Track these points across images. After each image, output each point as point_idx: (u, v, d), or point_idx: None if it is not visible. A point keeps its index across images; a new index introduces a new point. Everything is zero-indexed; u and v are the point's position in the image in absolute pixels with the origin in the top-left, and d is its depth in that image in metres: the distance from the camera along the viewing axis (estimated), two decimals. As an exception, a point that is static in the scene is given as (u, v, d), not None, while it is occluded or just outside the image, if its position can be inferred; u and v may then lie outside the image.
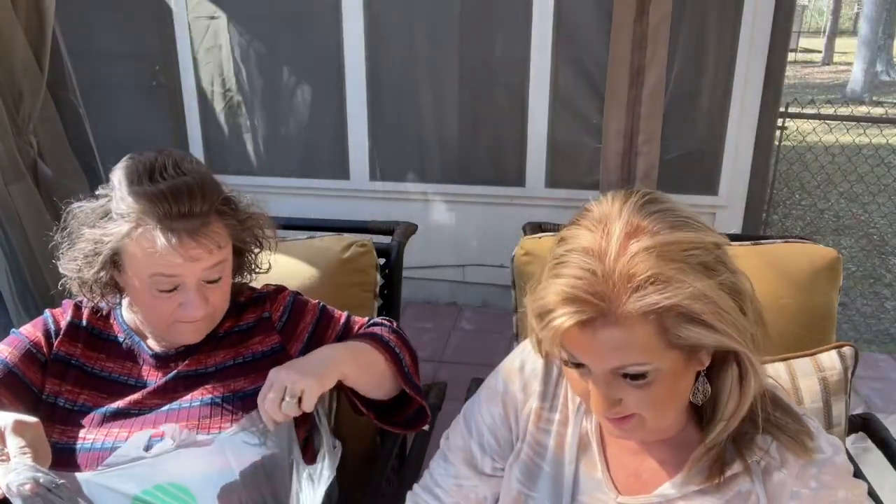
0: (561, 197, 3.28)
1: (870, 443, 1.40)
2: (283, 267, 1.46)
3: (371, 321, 1.31)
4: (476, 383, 1.55)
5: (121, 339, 1.18)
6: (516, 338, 1.54)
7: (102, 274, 1.09)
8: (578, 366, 0.82)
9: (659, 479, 0.90)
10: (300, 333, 1.23)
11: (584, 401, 0.90)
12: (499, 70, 3.24)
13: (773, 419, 0.87)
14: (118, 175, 1.07)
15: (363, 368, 1.16)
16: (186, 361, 1.16)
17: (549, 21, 3.09)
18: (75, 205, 1.10)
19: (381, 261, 1.55)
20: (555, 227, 1.56)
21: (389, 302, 1.57)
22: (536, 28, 3.12)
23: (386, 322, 1.31)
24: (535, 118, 3.24)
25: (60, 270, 1.12)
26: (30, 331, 1.15)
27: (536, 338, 0.91)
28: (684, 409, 0.89)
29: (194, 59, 3.47)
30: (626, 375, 0.79)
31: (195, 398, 1.13)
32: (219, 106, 3.53)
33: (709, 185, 3.17)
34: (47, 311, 1.19)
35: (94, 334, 1.18)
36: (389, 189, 3.51)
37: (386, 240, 1.61)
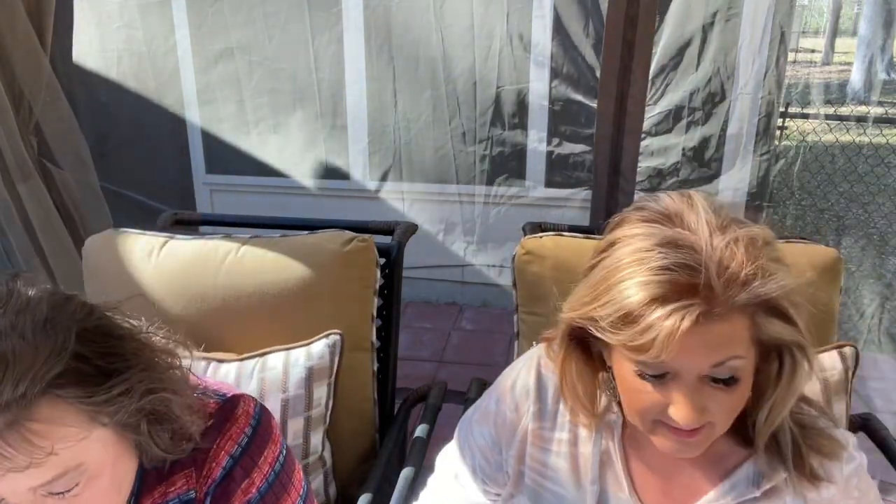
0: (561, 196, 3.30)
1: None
2: (283, 262, 1.46)
3: None
4: (476, 383, 1.55)
5: None
6: (517, 337, 1.54)
7: None
8: (659, 377, 0.73)
9: (691, 497, 0.83)
10: None
11: (643, 417, 0.77)
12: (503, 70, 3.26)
13: (806, 419, 0.81)
14: None
15: None
16: None
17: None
18: None
19: (382, 260, 1.55)
20: (554, 227, 1.56)
21: (389, 301, 1.57)
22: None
23: None
24: (534, 115, 3.25)
25: None
26: None
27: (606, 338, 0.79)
28: None
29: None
30: (716, 380, 0.71)
31: None
32: (219, 105, 3.52)
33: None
34: None
35: None
36: (389, 189, 3.51)
37: (386, 240, 1.61)
